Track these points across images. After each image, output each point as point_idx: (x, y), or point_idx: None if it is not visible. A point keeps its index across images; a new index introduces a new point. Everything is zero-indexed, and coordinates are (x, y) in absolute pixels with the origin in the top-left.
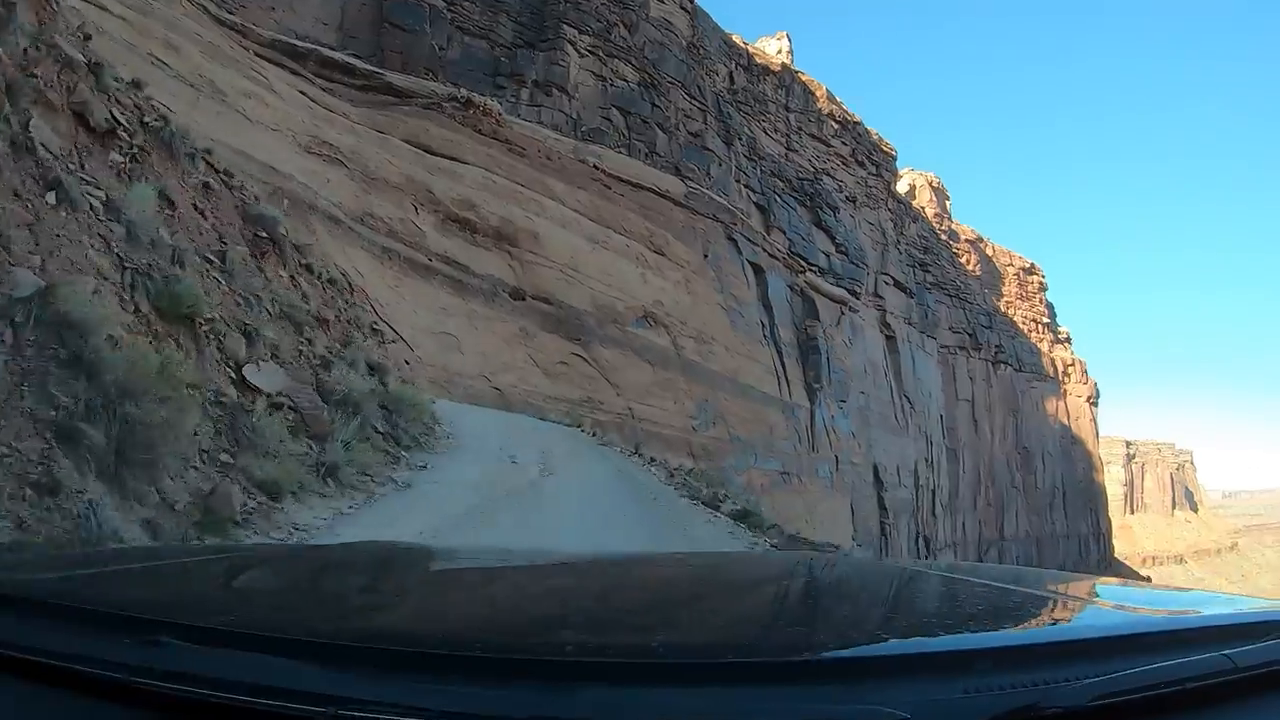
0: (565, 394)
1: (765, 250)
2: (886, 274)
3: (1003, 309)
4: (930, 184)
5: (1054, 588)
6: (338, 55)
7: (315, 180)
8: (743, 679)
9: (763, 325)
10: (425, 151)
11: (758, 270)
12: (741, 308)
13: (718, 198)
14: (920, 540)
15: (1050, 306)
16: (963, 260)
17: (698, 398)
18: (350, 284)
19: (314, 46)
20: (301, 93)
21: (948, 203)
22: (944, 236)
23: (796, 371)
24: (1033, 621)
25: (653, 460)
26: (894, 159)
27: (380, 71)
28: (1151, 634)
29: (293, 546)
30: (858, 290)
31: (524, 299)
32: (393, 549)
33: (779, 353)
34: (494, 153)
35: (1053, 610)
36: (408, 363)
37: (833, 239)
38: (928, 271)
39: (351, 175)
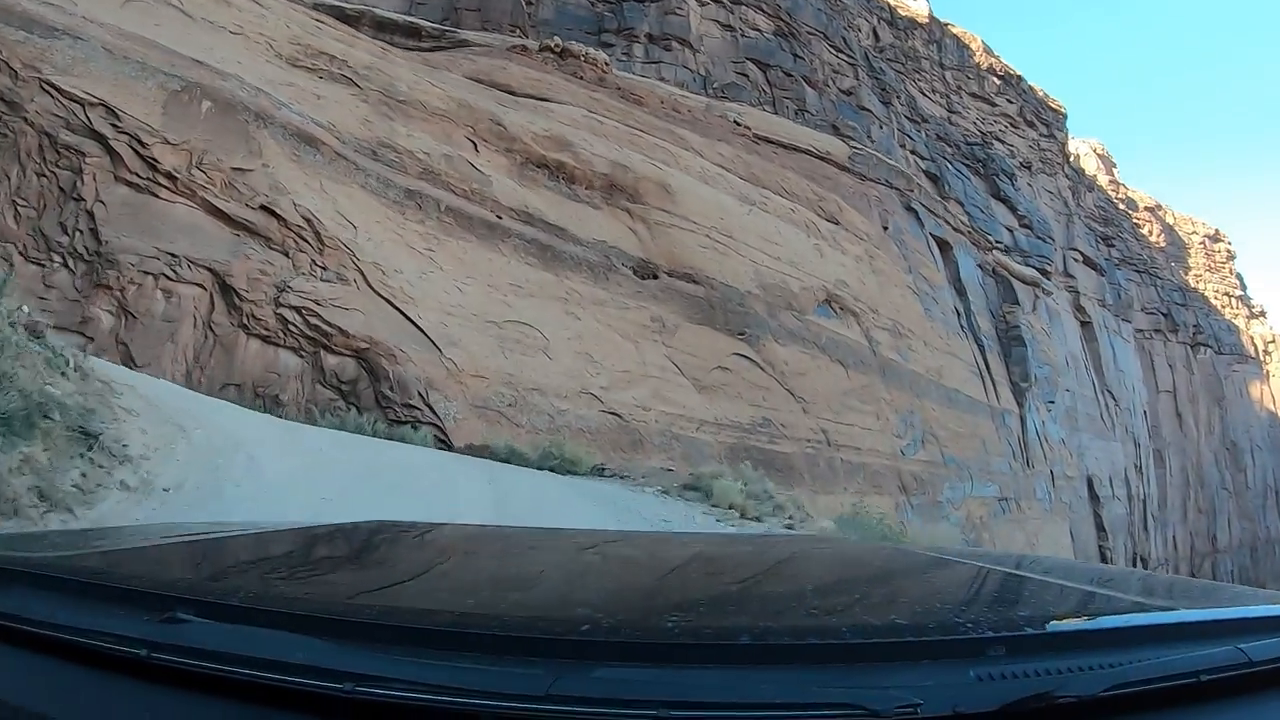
0: (728, 414)
1: (949, 223)
2: (1074, 249)
3: (1191, 283)
4: (1095, 151)
5: (1069, 576)
6: (397, 16)
7: (293, 95)
8: (755, 661)
9: (958, 313)
10: (496, 88)
11: (944, 246)
12: (934, 291)
13: (889, 160)
14: (1137, 561)
15: (1239, 278)
16: (1144, 231)
17: (901, 409)
18: (319, 234)
19: (366, 8)
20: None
21: (1115, 170)
22: (1121, 205)
23: (1000, 368)
24: (1047, 609)
25: None
26: (1064, 117)
27: (454, 29)
28: (1165, 625)
29: (309, 526)
30: (1048, 269)
31: (655, 276)
32: (409, 527)
33: (979, 346)
34: (600, 96)
35: (1067, 599)
36: (456, 372)
37: (1014, 211)
38: (1111, 246)
39: (364, 96)
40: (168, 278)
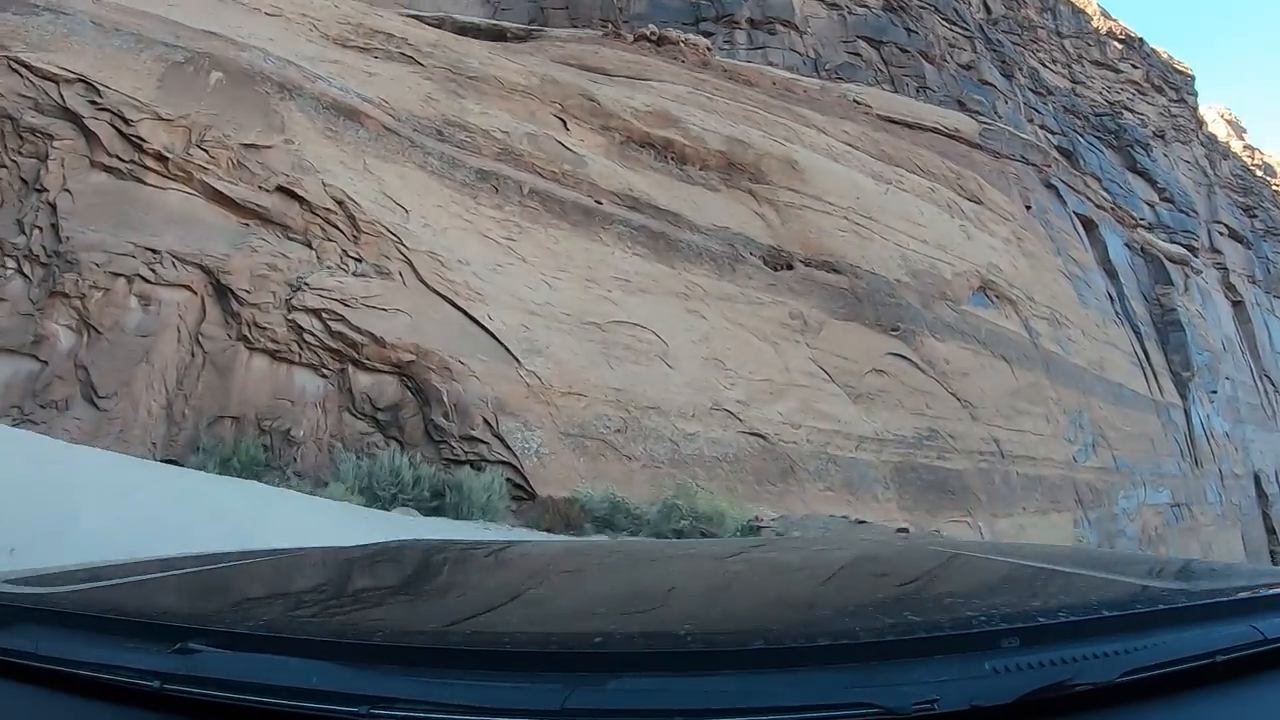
0: (889, 426)
1: (1090, 200)
2: (1218, 222)
3: None
4: (1222, 116)
5: (1079, 564)
6: (479, 20)
7: (336, 70)
8: (770, 665)
9: (1111, 297)
10: (586, 70)
11: (1088, 225)
12: (1085, 274)
13: (1021, 135)
14: None
15: None
16: None
17: (1069, 408)
18: (354, 218)
19: (445, 14)
20: None
21: (1245, 135)
22: (1259, 172)
23: (1159, 357)
24: (1060, 598)
25: None
26: (1192, 80)
27: (541, 29)
28: (1179, 608)
29: (317, 550)
30: (1194, 245)
31: (790, 266)
32: (416, 547)
33: (1136, 333)
34: (705, 77)
35: (1080, 586)
36: (541, 388)
37: (1153, 184)
38: (1254, 216)
39: (427, 73)
40: (145, 279)
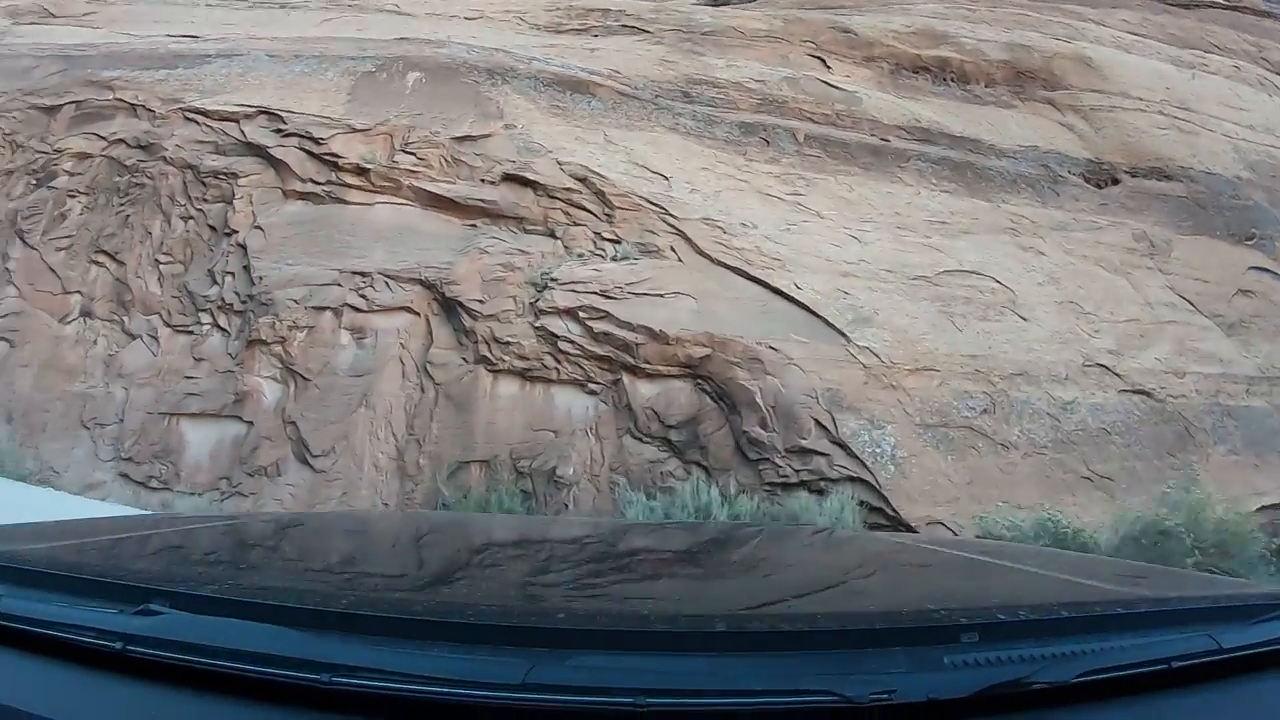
0: (1274, 359)
1: None
2: None
3: None
4: None
5: (1043, 564)
6: None
7: (552, 53)
8: (732, 649)
9: None
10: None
11: None
12: None
13: None
14: None
15: None
16: None
17: None
18: (603, 194)
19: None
20: None
21: None
22: None
23: None
24: (1021, 596)
25: None
26: None
27: None
28: (1139, 613)
29: (282, 515)
30: None
31: (1115, 180)
32: (382, 517)
33: None
34: None
35: (1042, 587)
36: (882, 368)
37: None
38: None
39: (655, 39)
40: (355, 308)
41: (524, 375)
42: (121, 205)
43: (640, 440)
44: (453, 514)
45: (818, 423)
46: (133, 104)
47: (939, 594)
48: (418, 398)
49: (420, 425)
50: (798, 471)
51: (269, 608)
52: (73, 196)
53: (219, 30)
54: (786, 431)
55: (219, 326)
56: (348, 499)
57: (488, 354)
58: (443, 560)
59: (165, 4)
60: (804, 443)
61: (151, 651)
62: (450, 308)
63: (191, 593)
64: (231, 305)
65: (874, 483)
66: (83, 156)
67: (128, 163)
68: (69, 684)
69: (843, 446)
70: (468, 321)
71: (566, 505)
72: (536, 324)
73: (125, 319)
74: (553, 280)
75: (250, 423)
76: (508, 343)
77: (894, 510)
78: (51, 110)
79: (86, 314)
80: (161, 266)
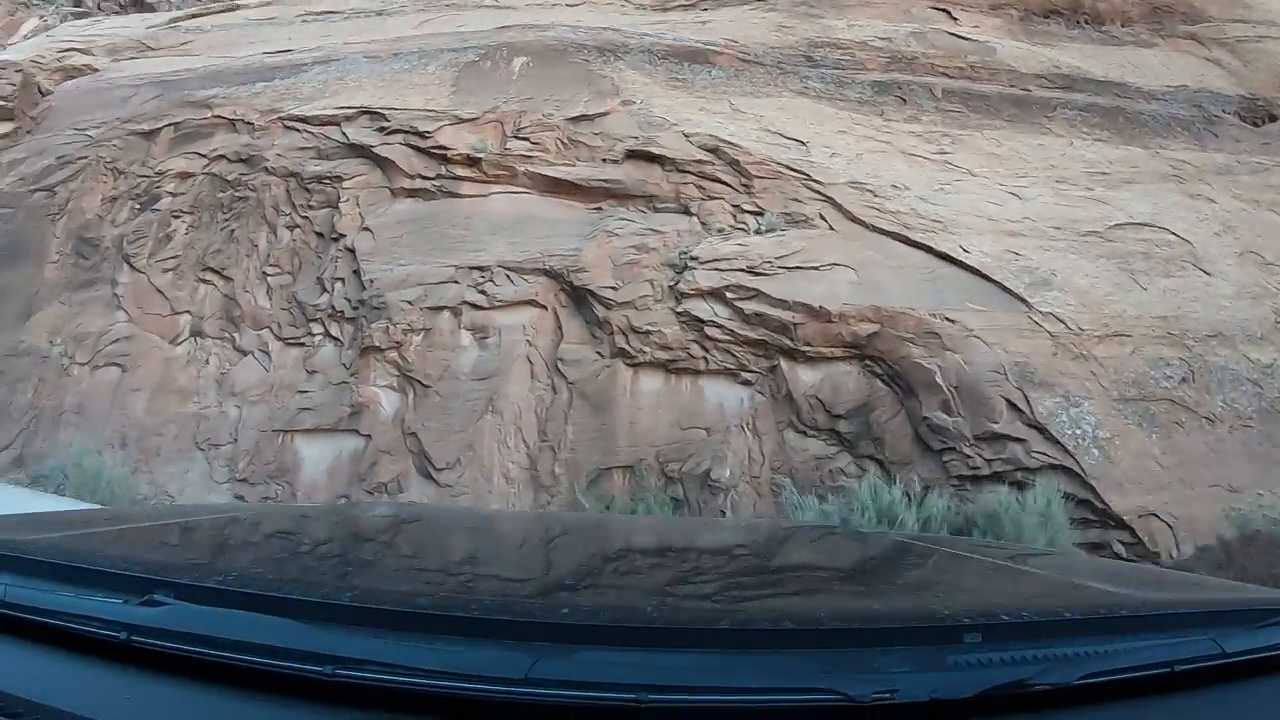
0: None
1: None
2: None
3: None
4: None
5: (1048, 566)
6: None
7: (663, 29)
8: (735, 646)
9: None
10: None
11: None
12: None
13: None
14: None
15: None
16: None
17: None
18: (738, 163)
19: None
20: None
21: None
22: None
23: None
24: (1025, 598)
25: None
26: None
27: None
28: (1142, 616)
29: (288, 507)
30: None
31: (1272, 116)
32: (389, 510)
33: None
34: None
35: (1046, 588)
36: (1070, 336)
37: None
38: None
39: (769, 6)
40: (475, 305)
41: (667, 367)
42: (226, 221)
43: (804, 434)
44: (457, 509)
45: (1009, 403)
46: (231, 119)
47: (942, 594)
48: (549, 399)
49: (554, 430)
50: (990, 462)
51: (273, 600)
52: (177, 217)
53: (315, 42)
54: (974, 415)
55: (331, 336)
56: None
57: (625, 346)
58: (447, 555)
59: (260, 25)
60: (995, 427)
61: (156, 642)
62: (580, 298)
63: (196, 584)
64: (343, 313)
65: (1079, 470)
66: (184, 176)
67: (229, 178)
68: (74, 673)
69: (1040, 429)
70: (600, 311)
71: (724, 512)
72: (678, 309)
73: (236, 335)
74: (692, 260)
75: (368, 436)
76: (647, 332)
77: (1103, 502)
78: (151, 134)
79: (197, 333)
80: (269, 279)
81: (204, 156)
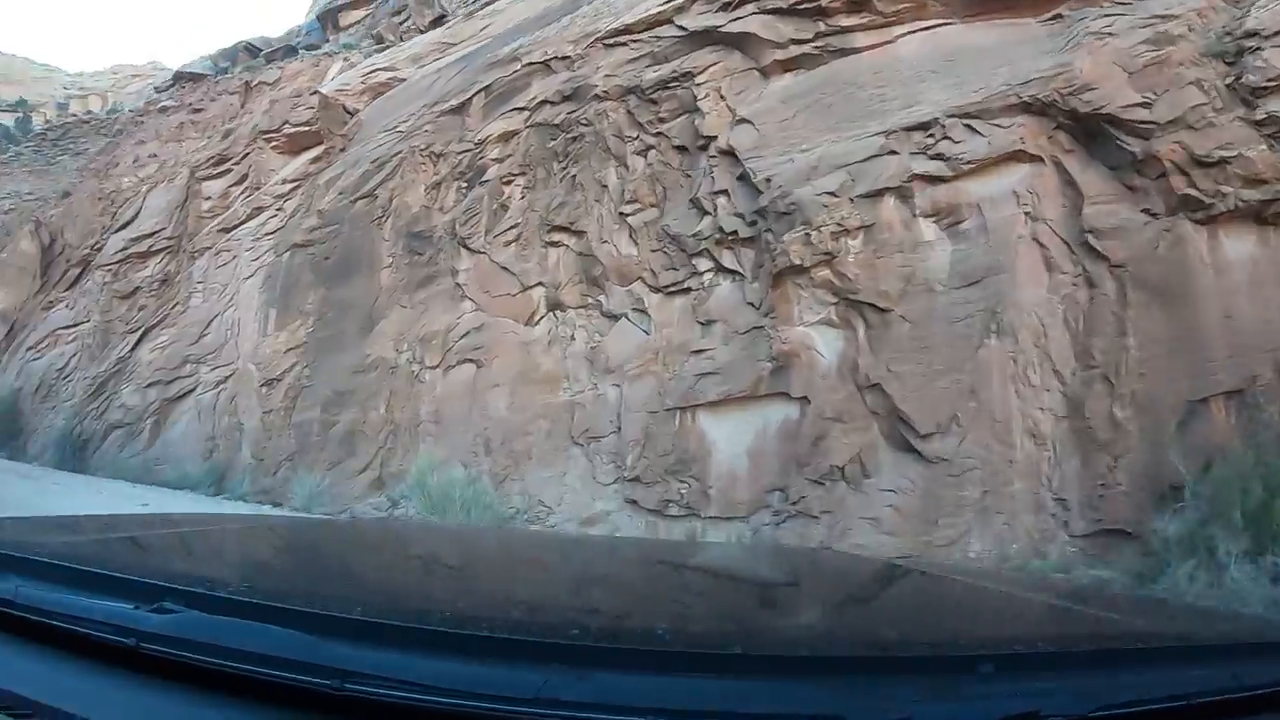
0: None
1: None
2: None
3: None
4: None
5: (1062, 596)
6: None
7: None
8: (747, 671)
9: None
10: None
11: None
12: None
13: None
14: None
15: None
16: None
17: None
18: None
19: None
20: None
21: None
22: None
23: None
24: (1038, 628)
25: None
26: None
27: None
28: (1158, 648)
29: (300, 519)
30: None
31: None
32: (401, 525)
33: None
34: None
35: (1059, 618)
36: None
37: None
38: None
39: None
40: (930, 179)
41: (1261, 218)
42: (563, 169)
43: None
44: (473, 527)
45: None
46: (544, 61)
47: (956, 623)
48: (1084, 298)
49: (1102, 346)
50: None
51: (284, 611)
52: (508, 183)
53: None
54: None
55: (725, 270)
56: (990, 506)
57: (1190, 191)
58: (460, 572)
59: None
60: None
61: (165, 649)
62: (1092, 133)
63: (207, 592)
64: (734, 234)
65: None
66: (506, 137)
67: (556, 121)
68: (82, 678)
69: None
70: (1131, 144)
71: None
72: (1255, 115)
73: (601, 298)
74: (1249, 35)
75: (803, 399)
76: (1218, 162)
77: None
78: (461, 108)
79: (554, 307)
80: (629, 219)
81: (524, 109)
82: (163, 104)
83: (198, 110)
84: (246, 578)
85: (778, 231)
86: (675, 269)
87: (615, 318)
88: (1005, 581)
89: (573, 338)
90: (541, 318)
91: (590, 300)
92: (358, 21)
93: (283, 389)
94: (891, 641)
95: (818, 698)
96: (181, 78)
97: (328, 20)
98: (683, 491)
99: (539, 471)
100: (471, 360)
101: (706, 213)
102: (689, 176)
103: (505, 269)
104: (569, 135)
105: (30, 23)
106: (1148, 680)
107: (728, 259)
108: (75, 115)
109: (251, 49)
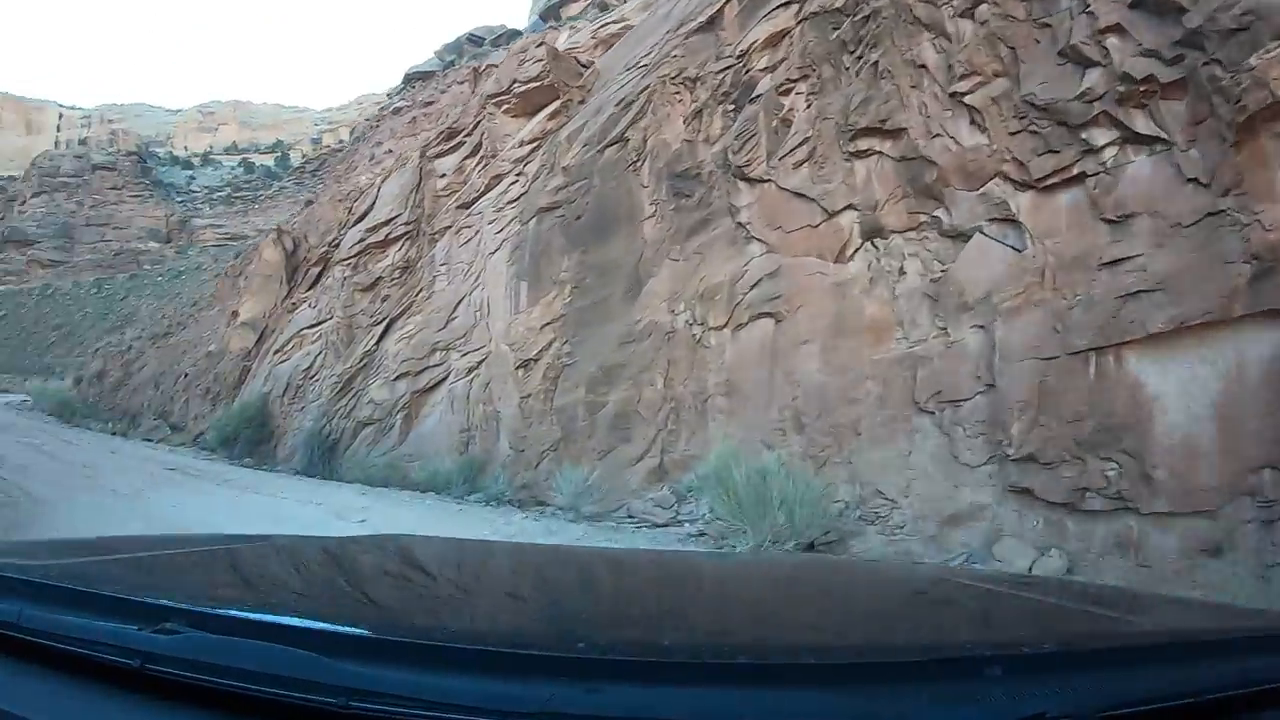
0: None
1: None
2: None
3: None
4: None
5: (1067, 596)
6: None
7: None
8: (753, 681)
9: None
10: None
11: None
12: None
13: None
14: None
15: None
16: None
17: None
18: None
19: None
20: None
21: None
22: None
23: None
24: (1045, 629)
25: None
26: None
27: None
28: (1166, 645)
29: (303, 537)
30: None
31: None
32: (402, 541)
33: None
34: None
35: (1065, 618)
36: None
37: None
38: None
39: None
40: None
41: None
42: (857, 60)
43: None
44: (476, 542)
45: None
46: None
47: (961, 626)
48: None
49: None
50: None
51: (288, 630)
52: (785, 93)
53: None
54: None
55: (1138, 137)
56: None
57: None
58: (463, 586)
59: None
60: None
61: (169, 670)
62: None
63: (211, 612)
64: (1149, 81)
65: None
66: (774, 41)
67: (837, 5)
68: (87, 699)
69: None
70: None
71: None
72: None
73: (940, 213)
74: None
75: None
76: None
77: None
78: (712, 22)
79: (872, 234)
80: (967, 100)
81: (790, 3)
82: (395, 105)
83: (429, 104)
84: (250, 596)
85: (1230, 59)
86: (1054, 151)
87: (964, 235)
88: (1008, 583)
89: (903, 270)
90: (856, 250)
91: (923, 217)
92: (579, 14)
93: (541, 370)
94: (897, 646)
95: (824, 706)
96: (411, 78)
97: (550, 16)
98: (1109, 475)
99: (871, 451)
100: (768, 314)
101: (1092, 63)
102: (1046, 25)
103: (800, 195)
104: (856, 17)
105: (277, 72)
106: (1157, 678)
107: (1140, 122)
108: (328, 147)
109: (475, 39)
